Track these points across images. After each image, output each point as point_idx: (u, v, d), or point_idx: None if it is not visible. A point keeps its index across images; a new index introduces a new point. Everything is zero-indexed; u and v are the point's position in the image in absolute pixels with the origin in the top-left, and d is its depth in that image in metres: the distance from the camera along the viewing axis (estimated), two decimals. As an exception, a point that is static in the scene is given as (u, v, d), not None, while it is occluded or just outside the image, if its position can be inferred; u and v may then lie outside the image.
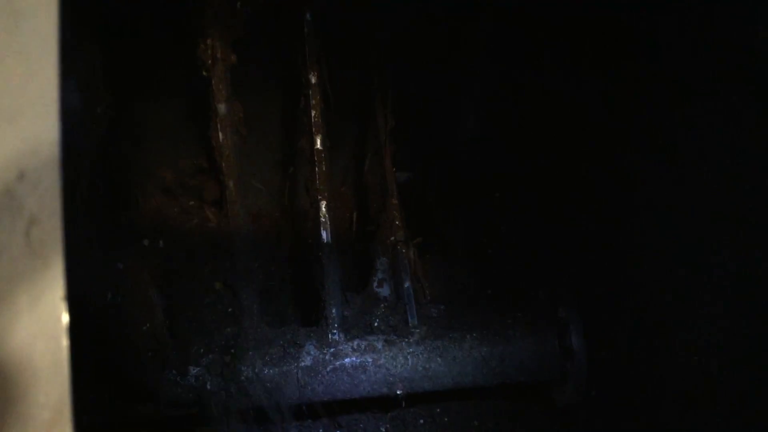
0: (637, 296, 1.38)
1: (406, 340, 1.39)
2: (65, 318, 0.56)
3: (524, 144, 1.76)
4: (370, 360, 1.36)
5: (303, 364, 1.34)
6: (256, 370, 1.32)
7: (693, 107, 1.24)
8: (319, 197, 1.47)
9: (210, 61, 1.45)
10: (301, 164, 1.79)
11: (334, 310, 1.40)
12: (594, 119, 1.53)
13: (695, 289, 1.24)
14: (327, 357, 1.36)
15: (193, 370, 1.32)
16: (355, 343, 1.37)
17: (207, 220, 1.71)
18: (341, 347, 1.36)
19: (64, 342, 0.56)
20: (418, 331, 1.40)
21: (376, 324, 1.41)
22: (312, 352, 1.35)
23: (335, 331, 1.38)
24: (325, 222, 1.46)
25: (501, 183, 1.84)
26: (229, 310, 1.50)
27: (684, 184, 1.27)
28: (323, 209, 1.46)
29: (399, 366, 1.37)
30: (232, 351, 1.35)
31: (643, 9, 1.31)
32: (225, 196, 1.47)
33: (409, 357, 1.37)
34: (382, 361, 1.37)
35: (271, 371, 1.33)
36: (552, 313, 1.46)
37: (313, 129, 1.50)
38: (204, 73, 1.46)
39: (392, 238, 1.55)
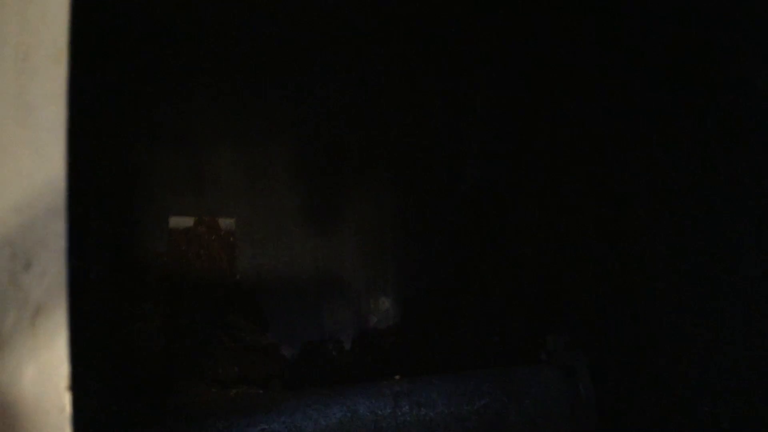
0: (647, 346, 1.37)
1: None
2: (68, 408, 0.56)
3: (530, 194, 1.75)
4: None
5: None
6: None
7: (702, 161, 1.23)
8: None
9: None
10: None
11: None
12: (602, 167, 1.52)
13: (706, 338, 1.22)
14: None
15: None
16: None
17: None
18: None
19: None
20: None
21: None
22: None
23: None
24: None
25: (505, 231, 1.82)
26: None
27: (692, 234, 1.25)
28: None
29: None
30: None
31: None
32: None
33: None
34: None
35: None
36: (560, 363, 1.45)
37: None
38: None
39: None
